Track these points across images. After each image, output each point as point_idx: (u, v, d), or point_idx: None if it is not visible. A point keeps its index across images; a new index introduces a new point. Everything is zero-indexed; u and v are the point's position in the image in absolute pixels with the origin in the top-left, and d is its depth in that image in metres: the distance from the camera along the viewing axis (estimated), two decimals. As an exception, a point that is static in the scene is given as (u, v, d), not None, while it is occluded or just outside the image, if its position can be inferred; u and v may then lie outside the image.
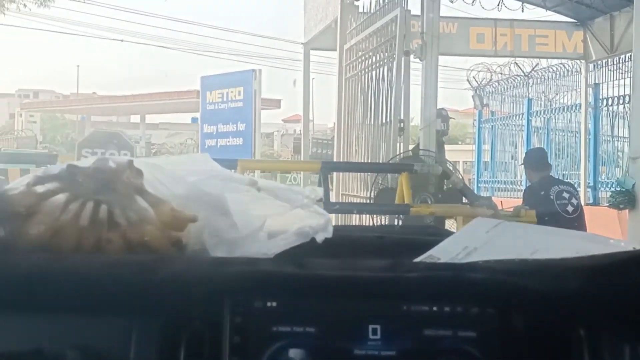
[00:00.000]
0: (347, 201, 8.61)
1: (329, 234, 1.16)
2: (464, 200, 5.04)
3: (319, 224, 1.16)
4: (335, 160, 9.86)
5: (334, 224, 1.20)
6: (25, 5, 17.33)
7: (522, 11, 11.34)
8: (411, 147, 7.54)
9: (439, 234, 1.37)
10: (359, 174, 8.78)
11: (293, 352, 0.93)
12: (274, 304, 0.96)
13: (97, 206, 1.11)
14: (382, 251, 1.19)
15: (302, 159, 13.38)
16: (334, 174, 9.10)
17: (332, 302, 0.97)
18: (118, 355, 0.95)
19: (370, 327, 0.94)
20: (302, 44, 12.71)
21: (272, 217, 1.17)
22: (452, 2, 10.19)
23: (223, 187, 1.16)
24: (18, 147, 30.42)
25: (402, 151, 7.18)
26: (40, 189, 1.09)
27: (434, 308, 0.95)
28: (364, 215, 6.81)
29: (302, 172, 12.61)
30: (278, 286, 0.99)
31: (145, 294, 1.00)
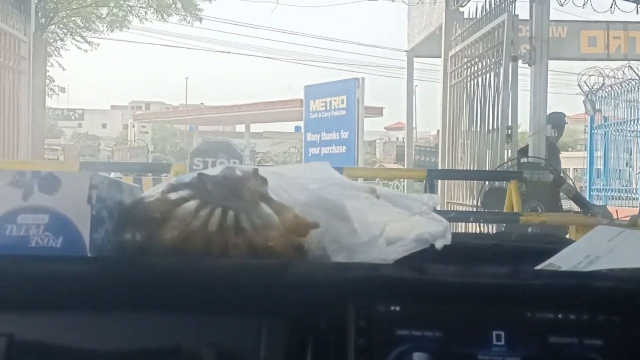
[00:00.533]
0: (452, 209, 8.52)
1: (447, 240, 1.18)
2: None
3: (438, 230, 1.18)
4: (440, 167, 9.77)
5: None
6: (147, 19, 18.27)
7: (638, 12, 10.83)
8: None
9: (558, 242, 1.36)
10: (463, 181, 8.67)
11: (417, 356, 0.94)
12: (397, 308, 0.99)
13: (225, 212, 1.16)
14: (501, 258, 1.19)
15: (405, 167, 13.31)
16: (438, 181, 9.02)
17: (455, 308, 0.99)
18: (250, 353, 1.00)
19: (494, 332, 0.95)
20: (405, 51, 12.69)
21: (390, 224, 1.19)
22: (561, 5, 9.88)
23: (343, 194, 1.20)
24: (131, 156, 31.86)
25: (510, 158, 7.03)
26: (173, 196, 1.16)
27: (559, 315, 0.95)
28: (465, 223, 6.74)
29: (405, 180, 12.55)
30: (401, 291, 1.02)
31: (272, 296, 1.05)
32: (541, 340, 0.94)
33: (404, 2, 11.49)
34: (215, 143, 5.58)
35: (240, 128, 39.37)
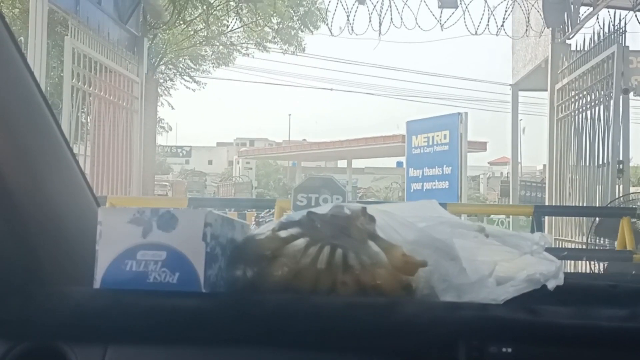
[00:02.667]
0: (560, 246, 8.25)
1: (560, 281, 1.14)
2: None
3: (550, 270, 1.14)
4: (547, 203, 9.49)
5: None
6: (248, 55, 18.87)
7: None
8: (633, 190, 7.07)
9: None
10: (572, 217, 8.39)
11: None
12: (509, 349, 0.97)
13: (333, 250, 1.18)
14: (618, 300, 1.14)
15: (510, 202, 13.01)
16: (545, 217, 8.77)
17: (570, 351, 0.96)
18: None
19: None
20: (510, 85, 12.49)
21: (500, 263, 1.17)
22: (676, 34, 9.48)
23: (452, 233, 1.19)
24: (236, 192, 32.65)
25: (622, 194, 6.76)
26: (283, 234, 1.19)
27: None
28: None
29: (511, 217, 12.23)
30: (514, 332, 1.00)
31: (381, 335, 1.05)
32: None
33: (508, 35, 11.34)
34: (318, 179, 5.66)
35: (342, 164, 39.68)
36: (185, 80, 20.23)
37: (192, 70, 19.96)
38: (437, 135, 12.03)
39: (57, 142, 1.18)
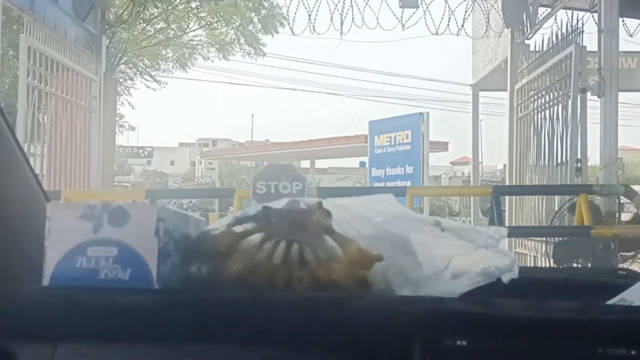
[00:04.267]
0: (523, 248, 8.35)
1: (515, 274, 1.15)
2: None
3: (505, 264, 1.15)
4: (507, 201, 9.62)
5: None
6: (209, 59, 18.75)
7: None
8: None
9: (630, 277, 1.32)
10: (533, 217, 8.50)
11: None
12: (464, 342, 0.98)
13: (289, 245, 1.17)
14: (570, 293, 1.16)
15: (472, 200, 13.15)
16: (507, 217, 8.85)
17: (523, 343, 0.96)
18: None
19: None
20: (470, 85, 12.62)
21: (456, 257, 1.17)
22: (631, 36, 9.71)
23: (408, 227, 1.19)
24: (198, 192, 32.41)
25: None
26: (238, 229, 1.18)
27: (632, 352, 0.92)
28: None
29: (472, 215, 12.34)
30: (468, 325, 1.00)
31: (336, 329, 1.04)
32: None
33: (468, 35, 11.45)
34: (277, 167, 5.61)
35: (306, 164, 39.65)
36: (146, 80, 20.02)
37: (153, 69, 19.75)
38: (399, 135, 12.12)
39: (4, 138, 1.16)
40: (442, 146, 27.31)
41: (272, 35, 17.36)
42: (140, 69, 19.44)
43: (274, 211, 1.19)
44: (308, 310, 1.08)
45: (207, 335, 1.07)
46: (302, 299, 1.11)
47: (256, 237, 1.17)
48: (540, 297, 1.08)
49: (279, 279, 1.16)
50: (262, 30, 17.56)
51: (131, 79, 19.90)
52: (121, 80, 18.79)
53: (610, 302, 1.11)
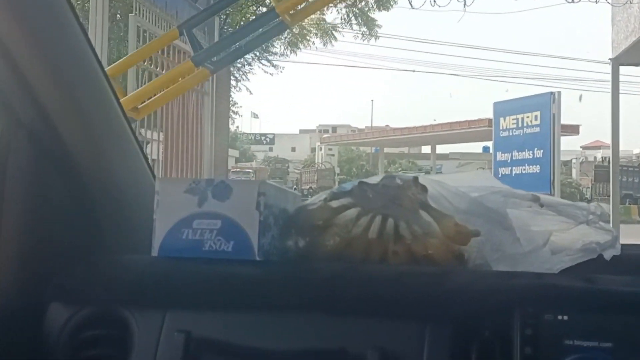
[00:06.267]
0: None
1: (617, 251, 1.15)
2: None
3: (606, 240, 1.15)
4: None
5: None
6: (313, 43, 18.75)
7: None
8: None
9: None
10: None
11: None
12: (565, 317, 0.99)
13: (385, 220, 1.22)
14: None
15: (611, 188, 12.15)
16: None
17: (626, 319, 0.98)
18: (413, 358, 1.05)
19: None
20: (609, 59, 11.39)
21: (555, 233, 1.17)
22: None
23: (505, 202, 1.20)
24: (318, 178, 32.93)
25: None
26: (335, 204, 1.24)
27: None
28: None
29: (610, 203, 11.44)
30: (570, 300, 1.02)
31: (434, 303, 1.09)
32: None
33: (608, 2, 10.52)
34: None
35: (426, 149, 39.26)
36: (263, 64, 20.22)
37: (268, 54, 19.82)
38: (527, 117, 11.45)
39: (118, 118, 1.27)
40: (573, 129, 26.26)
41: (387, 10, 16.80)
42: (257, 52, 19.59)
43: (369, 186, 1.24)
44: (404, 283, 1.12)
45: (304, 306, 1.13)
46: (398, 272, 1.16)
47: (352, 212, 1.23)
48: None
49: (375, 253, 1.21)
50: (375, 7, 17.04)
51: (249, 64, 20.15)
52: (239, 65, 19.04)
53: None
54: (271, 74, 20.62)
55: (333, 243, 1.21)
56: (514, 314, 1.02)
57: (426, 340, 1.05)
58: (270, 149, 58.40)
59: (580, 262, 1.15)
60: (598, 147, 38.27)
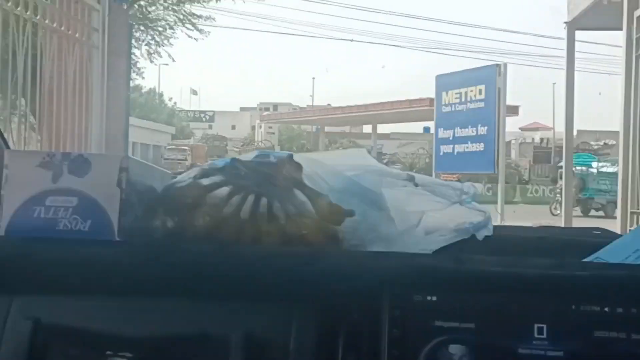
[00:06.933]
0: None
1: (489, 231, 1.15)
2: None
3: (479, 221, 1.14)
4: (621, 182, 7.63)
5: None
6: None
7: None
8: None
9: (605, 237, 1.30)
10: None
11: (453, 348, 0.94)
12: (434, 298, 0.98)
13: (258, 199, 1.18)
14: (546, 252, 1.14)
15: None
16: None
17: (495, 299, 0.97)
18: (279, 341, 1.02)
19: (536, 325, 0.93)
20: (565, 23, 9.74)
21: (429, 213, 1.16)
22: None
23: (380, 181, 1.19)
24: (257, 157, 32.75)
25: None
26: (205, 181, 1.19)
27: (606, 309, 0.93)
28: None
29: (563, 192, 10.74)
30: (439, 281, 1.01)
31: (304, 284, 1.06)
32: (586, 335, 0.92)
33: None
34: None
35: (368, 129, 39.52)
36: (187, 29, 19.48)
37: (193, 17, 18.95)
38: (471, 91, 10.75)
39: None
40: (512, 110, 26.77)
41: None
42: (180, 15, 18.63)
43: (242, 163, 1.20)
44: (275, 264, 1.09)
45: (170, 289, 1.09)
46: (269, 253, 1.13)
47: (223, 190, 1.19)
48: (515, 256, 1.07)
49: (247, 233, 1.18)
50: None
51: (170, 28, 19.34)
52: (159, 29, 18.29)
53: (586, 260, 1.09)
54: (196, 39, 19.93)
55: (203, 223, 1.17)
56: (384, 295, 1.01)
57: (294, 323, 1.03)
58: (210, 127, 57.91)
59: (453, 242, 1.14)
60: (536, 129, 39.09)
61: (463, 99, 10.95)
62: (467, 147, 10.82)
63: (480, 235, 1.14)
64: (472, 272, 1.03)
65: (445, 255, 1.10)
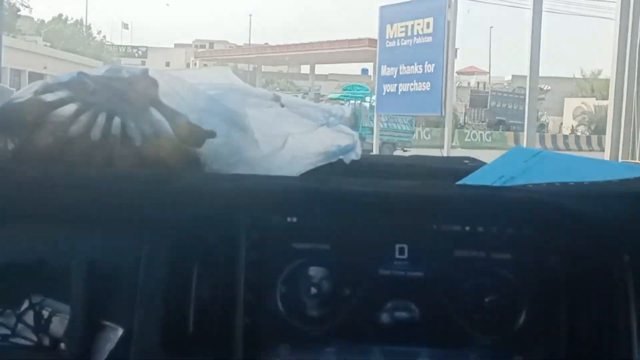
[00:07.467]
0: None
1: (357, 155, 1.09)
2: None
3: (347, 144, 1.09)
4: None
5: None
6: None
7: None
8: None
9: (473, 164, 1.28)
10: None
11: (313, 270, 0.90)
12: (294, 219, 0.93)
13: (110, 118, 1.09)
14: (413, 177, 1.10)
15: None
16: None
17: (356, 220, 0.93)
18: (126, 270, 0.95)
19: (397, 246, 0.90)
20: None
21: (295, 136, 1.10)
22: None
23: (244, 102, 1.11)
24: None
25: None
26: (48, 97, 1.09)
27: (466, 228, 0.90)
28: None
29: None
30: (297, 202, 0.96)
31: (157, 208, 0.98)
32: (447, 254, 0.90)
33: None
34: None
35: (305, 69, 39.27)
36: None
37: None
38: (419, 24, 9.82)
39: None
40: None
41: None
42: None
43: (91, 78, 1.10)
44: (128, 187, 1.01)
45: (13, 215, 1.00)
46: (121, 176, 1.05)
47: (70, 108, 1.09)
48: (380, 179, 1.03)
49: (98, 155, 1.09)
50: None
51: None
52: None
53: None
54: None
55: (46, 143, 1.08)
56: (240, 217, 0.95)
57: (145, 249, 0.96)
58: (143, 63, 56.72)
59: (319, 165, 1.09)
60: (472, 73, 39.55)
61: (409, 33, 10.00)
62: (412, 87, 9.95)
63: (347, 159, 1.09)
64: (331, 191, 0.98)
65: (308, 177, 1.05)
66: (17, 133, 1.08)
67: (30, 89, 1.11)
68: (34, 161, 1.07)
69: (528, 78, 8.41)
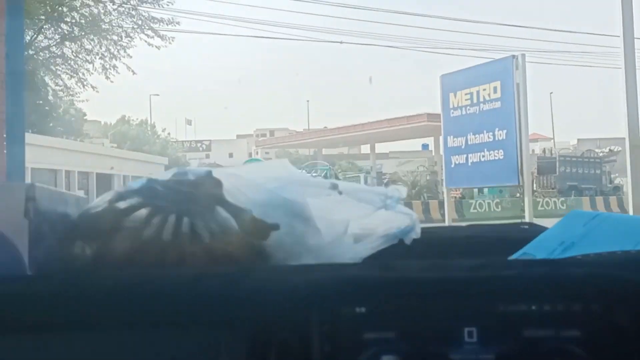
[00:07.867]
0: None
1: (417, 234, 1.12)
2: None
3: (406, 224, 1.12)
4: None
5: None
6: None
7: None
8: None
9: (532, 231, 1.29)
10: None
11: (386, 359, 0.92)
12: (363, 309, 0.96)
13: (179, 219, 1.15)
14: (474, 251, 1.12)
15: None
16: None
17: (423, 305, 0.96)
18: None
19: (466, 329, 0.92)
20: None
21: (355, 220, 1.14)
22: None
23: (303, 192, 1.16)
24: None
25: None
26: (122, 205, 1.16)
27: (533, 307, 0.92)
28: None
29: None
30: (366, 291, 0.99)
31: (232, 305, 1.03)
32: (516, 335, 0.91)
33: None
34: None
35: (366, 149, 39.59)
36: (147, 36, 18.70)
37: (155, 21, 18.02)
38: (484, 89, 9.26)
39: None
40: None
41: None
42: (139, 20, 17.59)
43: (159, 183, 1.18)
44: (201, 287, 1.06)
45: (91, 321, 1.05)
46: (194, 275, 1.09)
47: (142, 213, 1.16)
48: (443, 257, 1.05)
49: (170, 256, 1.15)
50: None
51: (128, 36, 18.62)
52: (115, 38, 17.59)
53: (512, 257, 1.07)
54: (158, 47, 19.27)
55: (123, 248, 1.14)
56: (312, 309, 0.99)
57: (223, 346, 1.00)
58: (207, 156, 58.24)
59: (382, 248, 1.12)
60: (535, 140, 39.20)
61: (475, 100, 9.42)
62: (483, 156, 9.37)
63: (408, 240, 1.12)
64: (397, 279, 1.01)
65: (374, 263, 1.08)
66: (94, 240, 1.15)
67: (105, 197, 1.19)
68: (112, 266, 1.13)
69: (627, 137, 7.62)
